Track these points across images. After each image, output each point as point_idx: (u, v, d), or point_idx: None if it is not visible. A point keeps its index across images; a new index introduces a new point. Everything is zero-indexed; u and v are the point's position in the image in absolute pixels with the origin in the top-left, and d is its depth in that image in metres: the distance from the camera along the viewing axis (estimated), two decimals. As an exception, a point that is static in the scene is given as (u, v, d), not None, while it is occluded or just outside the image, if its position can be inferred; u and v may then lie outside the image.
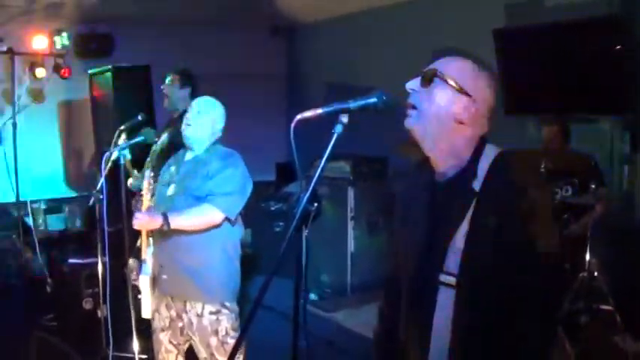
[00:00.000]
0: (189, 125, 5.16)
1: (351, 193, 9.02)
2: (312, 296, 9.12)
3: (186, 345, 5.33)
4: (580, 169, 6.93)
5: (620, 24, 6.86)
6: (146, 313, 5.35)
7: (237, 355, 5.23)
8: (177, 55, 9.46)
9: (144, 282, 5.32)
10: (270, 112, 10.57)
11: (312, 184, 2.69)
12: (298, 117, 2.73)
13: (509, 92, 7.84)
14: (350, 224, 9.00)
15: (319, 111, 2.73)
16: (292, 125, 2.73)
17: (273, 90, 11.64)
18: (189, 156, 5.26)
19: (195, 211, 4.95)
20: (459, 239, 2.68)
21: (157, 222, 4.93)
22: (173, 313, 5.20)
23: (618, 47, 6.81)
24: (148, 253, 5.27)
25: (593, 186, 6.69)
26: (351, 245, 9.00)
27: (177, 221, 4.92)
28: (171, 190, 5.16)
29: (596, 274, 6.75)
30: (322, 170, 2.69)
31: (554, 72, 7.44)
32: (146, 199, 5.31)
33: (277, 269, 2.68)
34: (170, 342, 5.29)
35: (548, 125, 7.19)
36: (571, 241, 6.88)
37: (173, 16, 9.99)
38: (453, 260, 2.70)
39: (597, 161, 6.98)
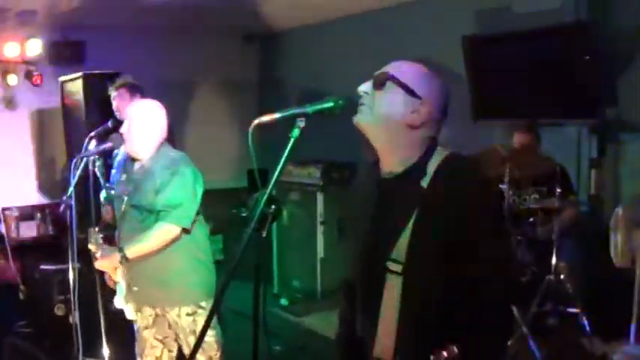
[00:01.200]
0: (126, 140, 5.14)
1: (320, 198, 9.06)
2: (283, 301, 9.17)
3: (176, 340, 5.37)
4: (546, 176, 6.98)
5: (587, 30, 6.92)
6: (130, 315, 5.40)
7: (215, 353, 5.30)
8: (151, 62, 9.50)
9: (119, 302, 5.36)
10: (242, 119, 10.57)
11: (270, 187, 2.73)
12: (255, 122, 2.78)
13: (478, 98, 7.91)
14: (320, 229, 9.03)
15: (276, 115, 2.79)
16: (250, 130, 2.77)
17: (245, 97, 11.61)
18: (137, 166, 5.23)
19: (150, 235, 4.99)
20: (407, 233, 2.75)
21: (115, 261, 5.00)
22: (158, 311, 5.25)
23: (587, 57, 6.87)
24: (118, 274, 5.30)
25: (559, 190, 6.74)
26: (320, 250, 9.03)
27: (135, 251, 5.00)
28: (124, 206, 5.17)
29: (562, 277, 6.80)
30: (279, 173, 2.73)
31: (522, 78, 7.51)
32: (98, 254, 5.32)
33: (235, 272, 2.73)
34: (155, 338, 5.35)
35: (522, 132, 7.23)
36: (538, 245, 6.94)
37: (147, 24, 9.98)
38: (400, 249, 2.77)
39: (564, 168, 7.03)
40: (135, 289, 5.19)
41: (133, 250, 4.97)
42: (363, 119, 2.85)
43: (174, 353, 5.47)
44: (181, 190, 5.03)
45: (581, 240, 7.27)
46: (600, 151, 7.37)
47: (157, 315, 5.30)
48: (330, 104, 2.76)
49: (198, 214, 5.21)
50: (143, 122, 5.11)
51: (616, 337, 6.60)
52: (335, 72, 9.97)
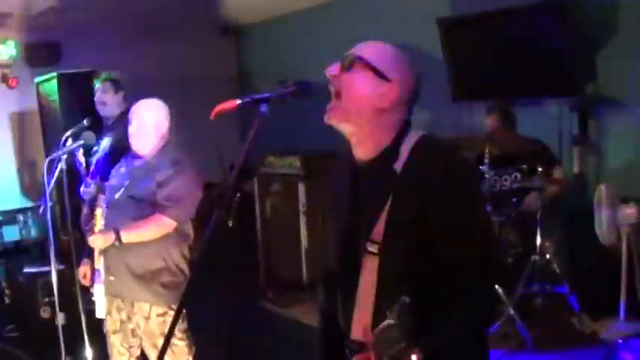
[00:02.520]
0: (133, 137, 5.18)
1: (302, 188, 8.98)
2: (269, 293, 9.13)
3: (139, 349, 5.34)
4: (527, 153, 6.94)
5: (562, 7, 6.90)
6: (100, 314, 5.36)
7: (186, 357, 5.28)
8: (127, 60, 9.41)
9: (98, 290, 5.33)
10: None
11: (234, 176, 2.68)
12: (216, 109, 2.74)
13: (457, 80, 7.89)
14: (302, 219, 8.97)
15: (237, 102, 2.74)
16: (211, 118, 2.73)
17: (224, 91, 11.47)
18: (139, 161, 5.25)
19: (146, 224, 5.01)
20: (383, 219, 2.69)
21: (109, 240, 4.97)
22: (123, 315, 5.23)
23: (562, 36, 6.86)
24: (100, 262, 5.27)
25: (540, 169, 6.71)
26: (304, 240, 8.98)
27: (129, 236, 4.99)
28: (120, 195, 5.16)
29: (548, 256, 6.77)
30: (243, 162, 2.68)
31: (500, 58, 7.48)
32: (99, 224, 5.30)
33: (203, 263, 2.69)
34: (122, 345, 5.32)
35: (492, 115, 7.21)
36: (522, 225, 6.92)
37: (123, 21, 9.94)
38: (377, 231, 2.71)
39: (545, 144, 7.00)
40: (111, 278, 5.17)
41: (128, 235, 4.98)
42: (332, 117, 2.78)
43: None
44: (184, 188, 5.10)
45: (566, 218, 7.25)
46: (581, 128, 7.35)
47: (122, 321, 5.27)
48: (292, 88, 2.72)
49: (191, 218, 5.24)
50: (152, 122, 5.18)
51: (605, 315, 6.59)
52: (313, 61, 9.89)
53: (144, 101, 5.35)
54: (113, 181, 5.34)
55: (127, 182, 5.18)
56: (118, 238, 4.95)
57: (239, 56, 12.34)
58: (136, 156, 5.29)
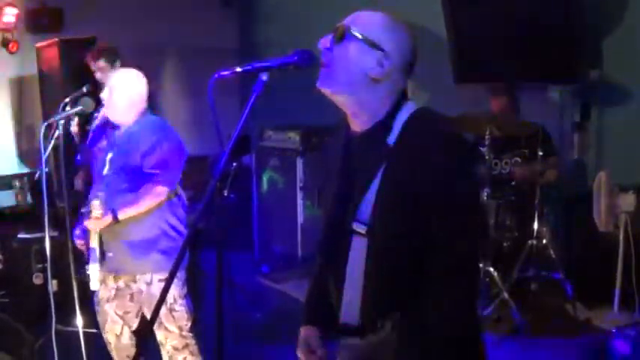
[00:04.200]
0: (106, 107, 5.16)
1: (300, 163, 8.97)
2: (264, 268, 9.15)
3: (137, 317, 5.31)
4: (527, 136, 6.91)
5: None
6: (94, 286, 5.31)
7: (185, 322, 5.26)
8: (129, 29, 9.39)
9: (93, 269, 5.28)
10: (223, 86, 10.46)
11: (230, 145, 2.65)
12: (216, 75, 2.72)
13: (460, 61, 7.81)
14: (299, 195, 8.96)
15: (238, 69, 2.72)
16: (210, 83, 2.71)
17: (225, 63, 11.40)
18: (120, 131, 5.20)
19: (142, 197, 5.00)
20: (372, 191, 2.66)
21: (107, 221, 4.96)
22: (121, 283, 5.20)
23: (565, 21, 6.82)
24: (94, 240, 5.22)
25: (541, 153, 6.69)
26: (300, 216, 8.99)
27: (126, 213, 4.99)
28: (106, 169, 5.13)
29: (545, 241, 6.76)
30: (240, 129, 2.65)
31: (504, 40, 7.41)
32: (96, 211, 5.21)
33: (194, 231, 2.66)
34: (116, 313, 5.28)
35: (497, 97, 7.17)
36: (520, 209, 6.89)
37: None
38: (365, 210, 2.68)
39: (545, 130, 6.96)
40: (109, 254, 5.13)
41: (124, 212, 4.97)
42: (323, 83, 2.74)
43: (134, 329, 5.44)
44: (169, 154, 5.08)
45: (565, 204, 7.23)
46: (583, 115, 7.32)
47: (118, 288, 5.25)
48: (294, 58, 2.71)
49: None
50: (124, 91, 5.10)
51: (599, 303, 6.59)
52: (316, 33, 9.83)
53: (118, 71, 5.36)
54: (99, 155, 5.32)
55: (110, 156, 5.15)
56: (115, 218, 4.95)
57: (241, 29, 12.27)
58: (116, 126, 5.24)
